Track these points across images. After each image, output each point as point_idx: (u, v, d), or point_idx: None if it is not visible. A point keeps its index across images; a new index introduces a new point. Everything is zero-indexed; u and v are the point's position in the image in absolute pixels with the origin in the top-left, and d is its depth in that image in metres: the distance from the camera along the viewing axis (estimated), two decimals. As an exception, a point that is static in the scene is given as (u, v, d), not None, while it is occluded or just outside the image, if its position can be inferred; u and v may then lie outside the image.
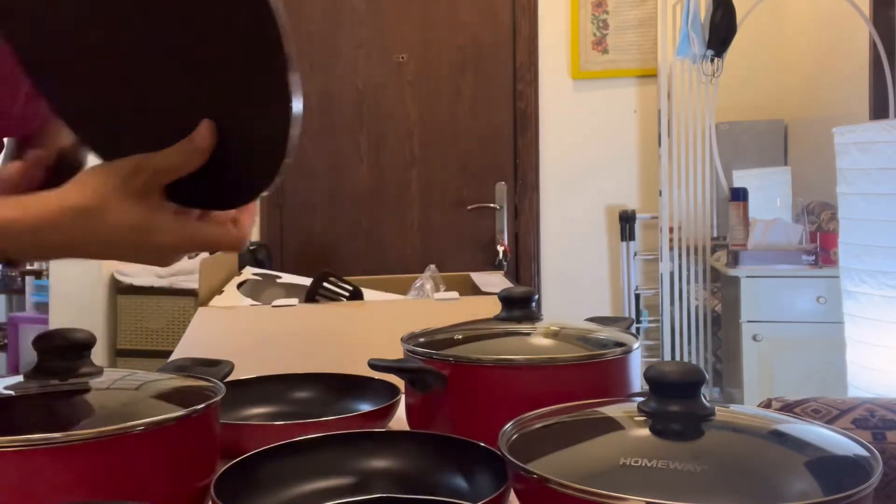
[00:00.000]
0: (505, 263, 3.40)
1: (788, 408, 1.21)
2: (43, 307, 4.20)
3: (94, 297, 3.12)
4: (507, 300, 0.88)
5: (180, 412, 0.63)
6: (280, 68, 0.59)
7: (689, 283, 3.12)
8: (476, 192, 3.55)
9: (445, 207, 3.57)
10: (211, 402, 0.67)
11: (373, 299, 1.55)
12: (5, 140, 0.96)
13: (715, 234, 3.18)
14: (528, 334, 0.84)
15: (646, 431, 0.58)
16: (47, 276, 3.72)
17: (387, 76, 3.59)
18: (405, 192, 3.59)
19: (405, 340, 0.86)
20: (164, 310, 3.08)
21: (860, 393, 1.95)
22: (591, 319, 0.95)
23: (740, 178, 2.97)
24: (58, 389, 0.66)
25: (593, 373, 0.78)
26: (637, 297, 3.39)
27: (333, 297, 1.53)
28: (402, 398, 0.90)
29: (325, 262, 3.45)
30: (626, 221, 3.38)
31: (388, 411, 0.89)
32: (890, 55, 2.44)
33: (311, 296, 1.54)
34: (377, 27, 3.58)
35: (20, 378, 0.68)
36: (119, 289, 3.15)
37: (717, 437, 0.57)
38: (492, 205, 3.53)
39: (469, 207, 3.55)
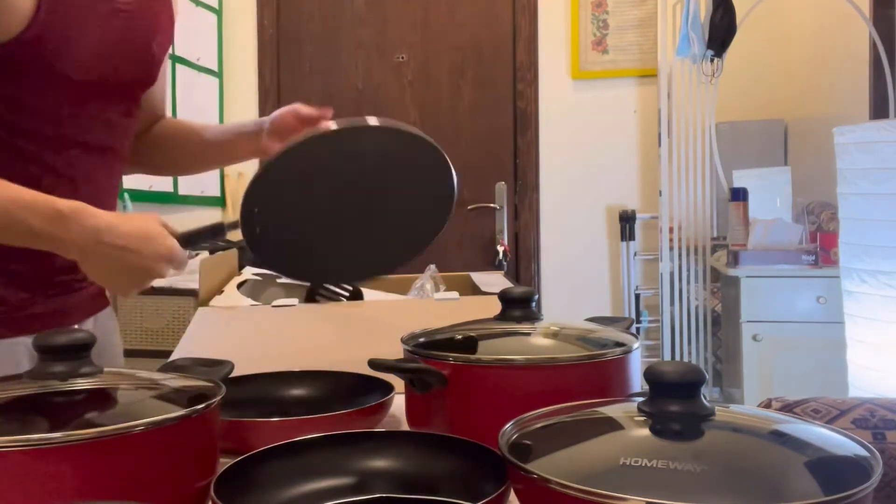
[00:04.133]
0: (505, 263, 3.40)
1: (788, 408, 1.21)
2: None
3: (94, 297, 3.11)
4: (507, 300, 0.88)
5: (180, 412, 0.63)
6: (450, 205, 0.99)
7: (689, 283, 3.12)
8: (476, 192, 3.55)
9: (445, 207, 3.57)
10: (211, 402, 0.67)
11: (373, 299, 1.55)
12: None
13: (715, 234, 3.18)
14: (528, 334, 0.84)
15: (646, 431, 0.58)
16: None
17: (387, 76, 3.58)
18: (405, 192, 3.58)
19: (405, 340, 0.86)
20: (164, 310, 3.08)
21: (860, 393, 1.95)
22: (591, 319, 0.95)
23: (740, 178, 2.96)
24: (58, 389, 0.66)
25: (593, 373, 0.78)
26: (637, 297, 3.39)
27: (333, 297, 1.53)
28: (394, 396, 0.90)
29: (325, 262, 3.44)
30: (626, 221, 3.38)
31: (379, 408, 0.89)
32: (890, 55, 2.44)
33: (311, 296, 1.54)
34: (377, 27, 3.58)
35: (20, 378, 0.69)
36: (119, 289, 3.14)
37: (717, 437, 0.57)
38: (492, 205, 3.53)
39: (469, 207, 3.54)
